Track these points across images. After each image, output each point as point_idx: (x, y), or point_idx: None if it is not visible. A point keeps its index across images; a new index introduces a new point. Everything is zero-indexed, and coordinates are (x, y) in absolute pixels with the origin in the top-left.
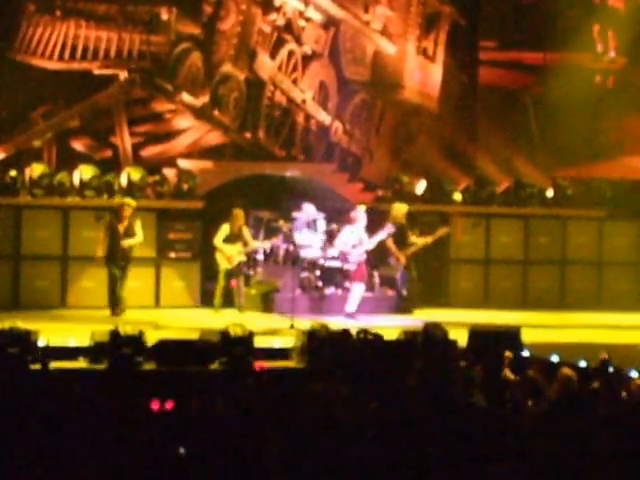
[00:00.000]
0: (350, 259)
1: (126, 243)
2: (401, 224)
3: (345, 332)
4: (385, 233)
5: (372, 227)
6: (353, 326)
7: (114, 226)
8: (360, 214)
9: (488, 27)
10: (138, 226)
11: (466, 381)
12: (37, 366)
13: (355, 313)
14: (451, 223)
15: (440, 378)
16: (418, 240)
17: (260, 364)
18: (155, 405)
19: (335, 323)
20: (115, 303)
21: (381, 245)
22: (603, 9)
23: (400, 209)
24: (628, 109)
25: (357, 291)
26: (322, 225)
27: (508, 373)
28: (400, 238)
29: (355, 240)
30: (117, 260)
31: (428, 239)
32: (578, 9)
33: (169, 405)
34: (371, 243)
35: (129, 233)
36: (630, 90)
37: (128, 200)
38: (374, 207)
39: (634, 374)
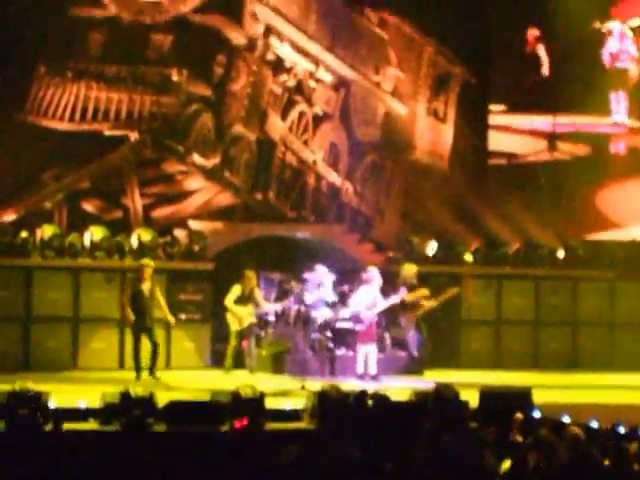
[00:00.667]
0: (362, 319)
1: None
2: (412, 285)
3: (357, 394)
4: (399, 297)
5: (384, 288)
6: (366, 387)
7: (138, 288)
8: (375, 274)
9: (498, 89)
10: (157, 287)
11: (477, 442)
12: (49, 427)
13: (377, 375)
14: (462, 284)
15: (452, 440)
16: (427, 302)
17: (240, 422)
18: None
19: (347, 385)
20: (152, 366)
21: (391, 306)
22: (616, 72)
23: (410, 270)
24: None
25: (365, 352)
26: (333, 286)
27: (517, 435)
28: (411, 301)
29: (370, 301)
30: (146, 322)
31: (436, 301)
32: (591, 72)
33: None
34: (384, 305)
35: (152, 294)
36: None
37: (147, 261)
38: (385, 268)
39: None
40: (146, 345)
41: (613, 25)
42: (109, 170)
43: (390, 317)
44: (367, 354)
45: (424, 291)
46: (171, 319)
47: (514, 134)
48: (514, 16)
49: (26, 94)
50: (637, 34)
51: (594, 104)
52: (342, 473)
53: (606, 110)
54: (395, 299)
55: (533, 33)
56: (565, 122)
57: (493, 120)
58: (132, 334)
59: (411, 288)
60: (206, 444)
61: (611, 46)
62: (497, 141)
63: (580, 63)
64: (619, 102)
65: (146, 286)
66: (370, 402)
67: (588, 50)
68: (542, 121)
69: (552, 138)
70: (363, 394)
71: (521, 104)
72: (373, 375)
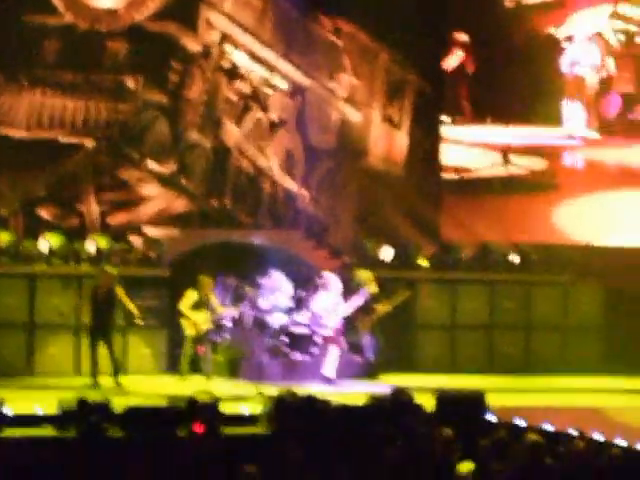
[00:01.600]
0: (326, 324)
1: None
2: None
3: (313, 399)
4: (361, 299)
5: (344, 293)
6: (326, 391)
7: (96, 295)
8: (330, 279)
9: (452, 98)
10: (122, 293)
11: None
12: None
13: (334, 378)
14: (417, 289)
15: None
16: (381, 306)
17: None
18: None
19: (306, 389)
20: (116, 371)
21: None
22: (573, 81)
23: (363, 275)
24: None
25: (334, 355)
26: (289, 291)
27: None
28: (364, 304)
29: (331, 305)
30: (105, 328)
31: (389, 305)
32: (547, 81)
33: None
34: (348, 308)
35: (111, 301)
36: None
37: (108, 268)
38: (341, 273)
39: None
40: (103, 352)
41: (574, 30)
42: (65, 177)
43: (346, 321)
44: (334, 357)
45: (404, 293)
46: (137, 316)
47: (467, 147)
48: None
49: None
50: (600, 40)
51: (549, 115)
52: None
53: (561, 120)
54: (358, 300)
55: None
56: (519, 134)
57: (445, 132)
58: (89, 340)
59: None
60: (163, 449)
61: (569, 53)
62: (449, 154)
63: (535, 71)
64: (575, 112)
65: (105, 292)
66: (325, 407)
67: (544, 57)
68: (495, 133)
69: (505, 151)
70: (316, 399)
71: (474, 115)
72: (332, 379)
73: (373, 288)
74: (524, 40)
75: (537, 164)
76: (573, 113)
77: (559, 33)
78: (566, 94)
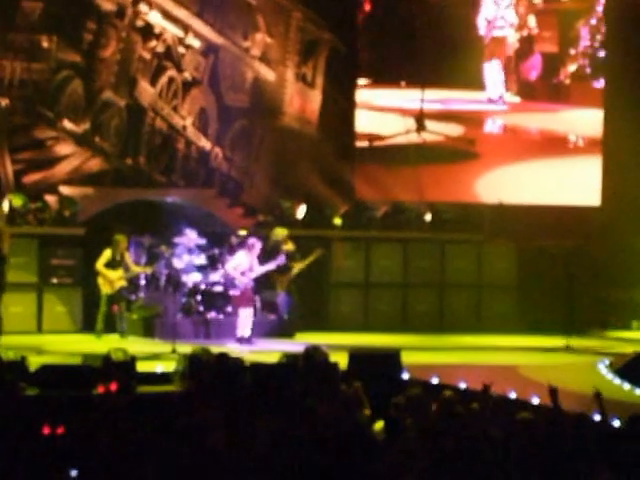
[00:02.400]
0: (237, 284)
1: None
2: (280, 248)
3: (226, 356)
4: (276, 264)
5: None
6: (241, 350)
7: None
8: (257, 243)
9: (366, 57)
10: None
11: (346, 402)
12: None
13: (251, 337)
14: (331, 247)
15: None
16: (296, 265)
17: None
18: (46, 430)
19: (219, 348)
20: None
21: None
22: (492, 42)
23: (280, 233)
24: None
25: (244, 316)
26: (203, 250)
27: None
28: (281, 264)
29: (246, 266)
30: None
31: (304, 263)
32: (464, 41)
33: (60, 430)
34: (260, 271)
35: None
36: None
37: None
38: (255, 232)
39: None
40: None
41: None
42: None
43: (262, 280)
44: (244, 318)
45: (318, 252)
46: None
47: (378, 112)
48: None
49: None
50: None
51: (467, 77)
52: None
53: (480, 84)
54: (271, 266)
55: None
56: (434, 98)
57: (358, 96)
58: None
59: (278, 251)
60: (77, 408)
61: (487, 12)
62: (360, 119)
63: (451, 31)
64: (494, 75)
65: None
66: (238, 365)
67: (460, 16)
68: (409, 97)
69: (420, 117)
70: (228, 357)
71: (387, 76)
72: (247, 338)
73: (289, 246)
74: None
75: (454, 130)
76: (493, 76)
77: None
78: (485, 55)
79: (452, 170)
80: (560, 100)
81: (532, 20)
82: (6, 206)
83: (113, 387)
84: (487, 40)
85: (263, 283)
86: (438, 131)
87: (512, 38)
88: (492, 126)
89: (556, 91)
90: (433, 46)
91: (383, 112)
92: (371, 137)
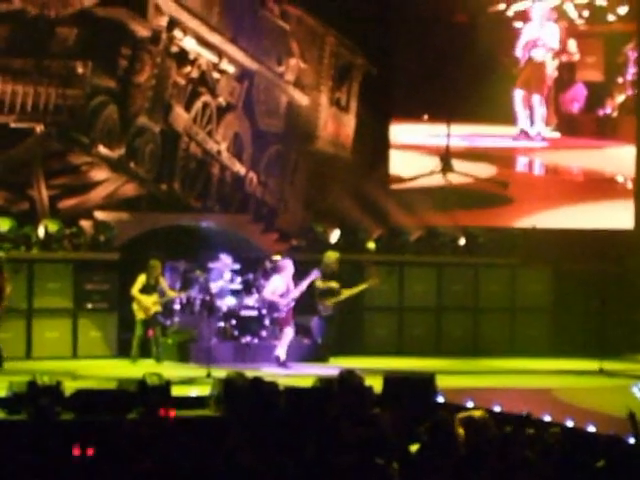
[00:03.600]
0: (279, 307)
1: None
2: (333, 272)
3: (260, 380)
4: (310, 280)
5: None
6: (276, 374)
7: None
8: (288, 264)
9: (400, 81)
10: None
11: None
12: None
13: (286, 361)
14: (365, 272)
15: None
16: (345, 291)
17: (172, 412)
18: (76, 451)
19: (256, 372)
20: None
21: (310, 292)
22: (530, 68)
23: (331, 257)
24: None
25: (288, 335)
26: (237, 275)
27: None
28: (329, 288)
29: (283, 289)
30: None
31: (354, 290)
32: (497, 68)
33: (90, 452)
34: (298, 291)
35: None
36: None
37: None
38: (290, 256)
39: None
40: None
41: (531, 5)
42: (15, 162)
43: (308, 304)
44: (288, 337)
45: (374, 280)
46: None
47: (399, 150)
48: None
49: None
50: (560, 17)
51: (498, 109)
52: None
53: (513, 117)
54: (307, 282)
55: None
56: (461, 133)
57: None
58: None
59: (331, 275)
60: (113, 433)
61: (528, 33)
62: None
63: (481, 54)
64: (532, 106)
65: None
66: (273, 389)
67: (492, 39)
68: (433, 132)
69: (446, 156)
70: (263, 381)
71: (409, 109)
72: (283, 361)
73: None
74: (468, 18)
75: (484, 171)
76: (530, 108)
77: (511, 10)
78: (520, 82)
79: (482, 216)
80: (606, 135)
81: (573, 44)
82: (42, 232)
83: (172, 413)
84: (522, 64)
85: (310, 307)
86: (466, 172)
87: (551, 65)
88: (528, 166)
89: (601, 125)
90: (460, 72)
91: (404, 150)
92: (390, 179)
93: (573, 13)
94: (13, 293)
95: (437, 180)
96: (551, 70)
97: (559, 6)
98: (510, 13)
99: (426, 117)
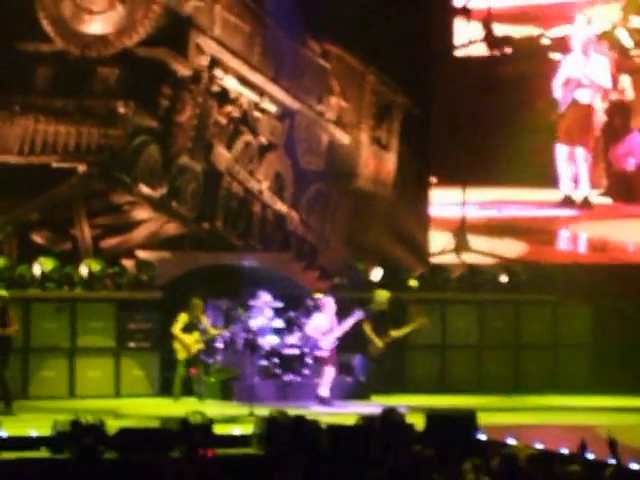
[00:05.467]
0: (322, 345)
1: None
2: (383, 311)
3: (302, 418)
4: (354, 319)
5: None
6: (318, 412)
7: None
8: (329, 302)
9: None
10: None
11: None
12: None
13: (330, 398)
14: (408, 310)
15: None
16: (398, 331)
17: (211, 451)
18: None
19: (298, 410)
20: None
21: (359, 331)
22: (574, 111)
23: (382, 296)
24: None
25: (330, 375)
26: (279, 313)
27: None
28: (381, 325)
29: (326, 327)
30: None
31: (403, 330)
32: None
33: None
34: (341, 330)
35: (2, 322)
36: None
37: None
38: (332, 295)
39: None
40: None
41: (573, 31)
42: (58, 202)
43: (358, 341)
44: (329, 377)
45: (424, 320)
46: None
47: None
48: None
49: None
50: (609, 47)
51: (531, 169)
52: None
53: (551, 179)
54: (350, 321)
55: None
56: (481, 200)
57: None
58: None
59: (382, 314)
60: (156, 472)
61: (568, 68)
62: None
63: (512, 100)
64: (577, 162)
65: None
66: (315, 427)
67: (526, 76)
68: (445, 199)
69: (460, 230)
70: (305, 420)
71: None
72: (327, 399)
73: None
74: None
75: (511, 248)
76: (575, 164)
77: (546, 36)
78: (560, 133)
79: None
80: None
81: (627, 81)
82: (84, 271)
83: (211, 453)
84: (563, 108)
85: (360, 344)
86: (486, 251)
87: (599, 108)
88: (570, 241)
89: None
90: (481, 123)
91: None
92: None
93: (627, 41)
94: (55, 332)
95: (448, 259)
96: (599, 115)
97: (609, 32)
98: (545, 40)
99: (435, 180)
